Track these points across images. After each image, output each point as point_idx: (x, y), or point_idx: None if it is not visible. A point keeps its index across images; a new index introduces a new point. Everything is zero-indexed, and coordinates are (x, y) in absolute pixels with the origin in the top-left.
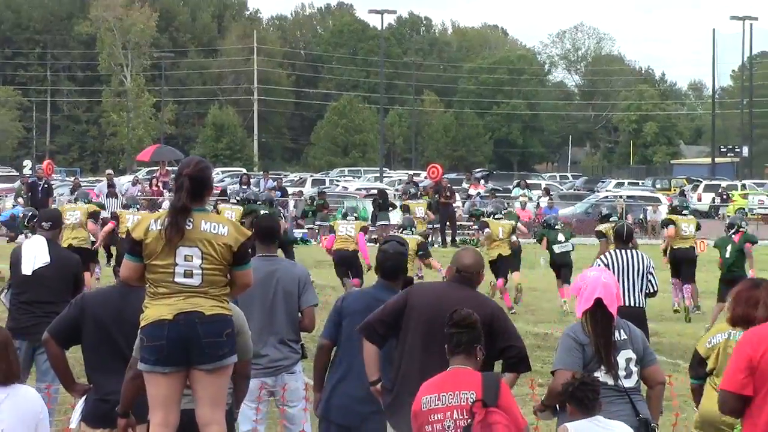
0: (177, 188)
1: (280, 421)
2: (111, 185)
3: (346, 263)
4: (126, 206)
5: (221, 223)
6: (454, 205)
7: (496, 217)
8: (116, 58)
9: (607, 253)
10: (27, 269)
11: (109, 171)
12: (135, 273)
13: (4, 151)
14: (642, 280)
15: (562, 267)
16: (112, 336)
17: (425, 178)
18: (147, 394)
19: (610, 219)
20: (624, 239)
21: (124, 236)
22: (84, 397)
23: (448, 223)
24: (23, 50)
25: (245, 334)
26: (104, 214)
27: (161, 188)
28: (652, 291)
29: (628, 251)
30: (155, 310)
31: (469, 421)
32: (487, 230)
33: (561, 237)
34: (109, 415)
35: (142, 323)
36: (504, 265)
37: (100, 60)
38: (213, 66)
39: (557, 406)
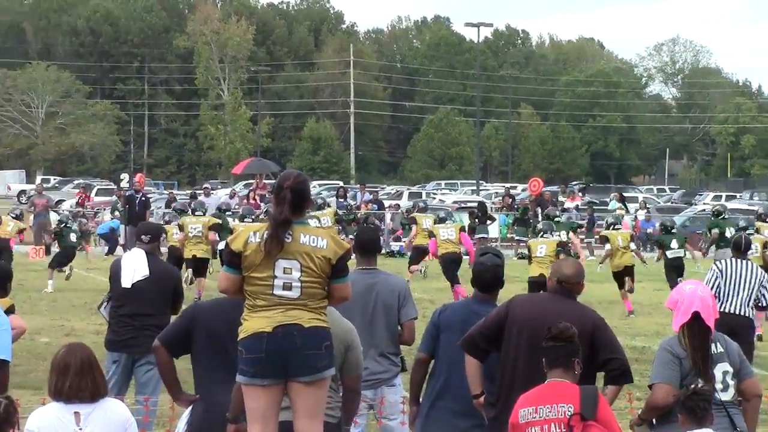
0: (278, 201)
1: None
2: (194, 196)
3: (456, 264)
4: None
5: (320, 236)
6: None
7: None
8: (213, 72)
9: (722, 261)
10: (126, 282)
11: (206, 185)
12: (233, 285)
13: (102, 165)
14: (753, 291)
15: (673, 271)
16: (223, 346)
17: (522, 191)
18: (245, 406)
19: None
20: (741, 249)
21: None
22: (190, 408)
23: None
24: (121, 64)
25: (356, 349)
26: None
27: (258, 201)
28: (763, 304)
29: (744, 261)
30: (254, 323)
31: None
32: (608, 246)
33: (675, 244)
34: (215, 426)
35: (241, 335)
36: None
37: (198, 73)
38: (310, 79)
39: (654, 420)
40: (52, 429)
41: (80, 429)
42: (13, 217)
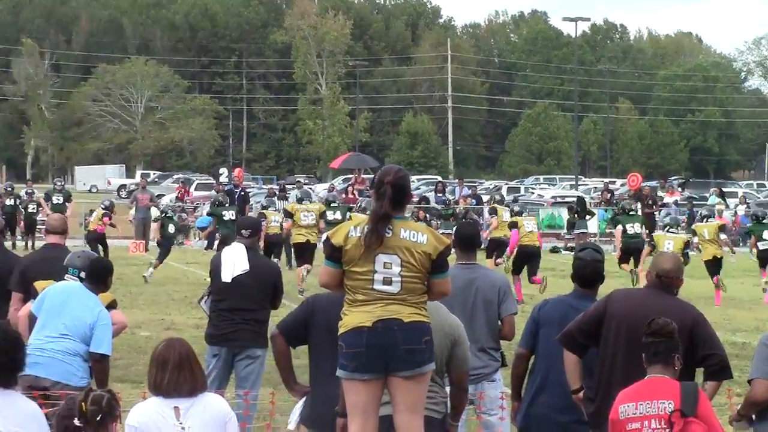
0: (378, 196)
1: (478, 429)
2: (282, 189)
3: (533, 257)
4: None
5: (420, 231)
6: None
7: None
8: (311, 67)
9: None
10: (227, 277)
11: (299, 179)
12: (333, 279)
13: (201, 160)
14: None
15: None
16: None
17: (621, 186)
18: (346, 401)
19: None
20: None
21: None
22: (303, 399)
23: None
24: (219, 59)
25: (463, 345)
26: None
27: (357, 195)
28: None
29: None
30: (354, 318)
31: (667, 430)
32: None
33: (766, 234)
34: (328, 418)
35: (341, 330)
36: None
37: (295, 68)
38: (407, 74)
39: (753, 416)
40: (152, 424)
41: (180, 423)
42: (103, 209)
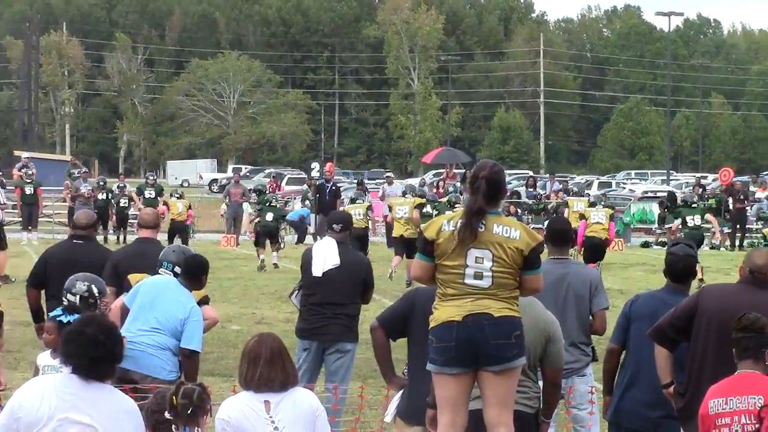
0: (472, 191)
1: (567, 423)
2: (360, 183)
3: (596, 248)
4: (353, 200)
5: (513, 227)
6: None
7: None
8: (403, 61)
9: None
10: (317, 271)
11: (389, 173)
12: (425, 273)
13: (292, 154)
14: None
15: None
16: None
17: (713, 180)
18: (436, 395)
19: None
20: None
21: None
22: (400, 392)
23: (737, 226)
24: (312, 54)
25: (558, 342)
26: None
27: (448, 190)
28: None
29: None
30: (444, 312)
31: (757, 426)
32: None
33: None
34: (424, 411)
35: (432, 324)
36: None
37: (388, 63)
38: (499, 68)
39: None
40: (243, 417)
41: (270, 417)
42: (177, 197)
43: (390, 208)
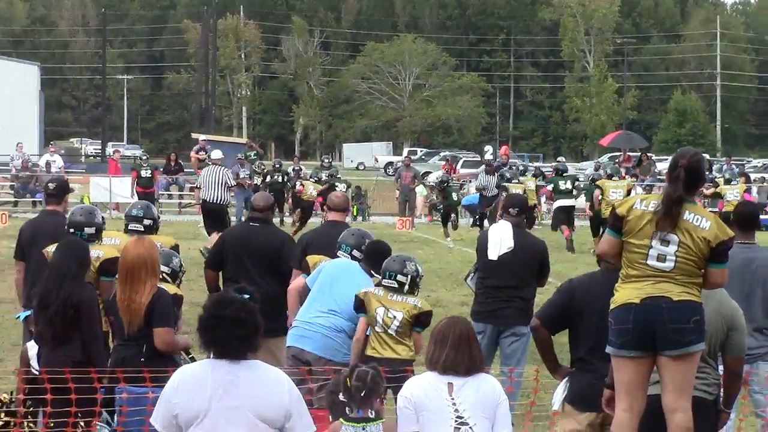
0: (671, 179)
1: (744, 408)
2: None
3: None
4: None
5: (705, 217)
6: None
7: None
8: (579, 44)
9: None
10: (493, 254)
11: (561, 158)
12: (612, 248)
13: (467, 137)
14: None
15: None
16: (603, 322)
17: None
18: (614, 378)
19: None
20: None
21: None
22: (565, 380)
23: None
24: (488, 36)
25: (740, 332)
26: None
27: (623, 174)
28: None
29: None
30: (624, 294)
31: None
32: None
33: None
34: (596, 398)
35: (611, 306)
36: None
37: (563, 46)
38: (675, 51)
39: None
40: (424, 397)
41: (452, 399)
42: (314, 181)
43: (602, 191)
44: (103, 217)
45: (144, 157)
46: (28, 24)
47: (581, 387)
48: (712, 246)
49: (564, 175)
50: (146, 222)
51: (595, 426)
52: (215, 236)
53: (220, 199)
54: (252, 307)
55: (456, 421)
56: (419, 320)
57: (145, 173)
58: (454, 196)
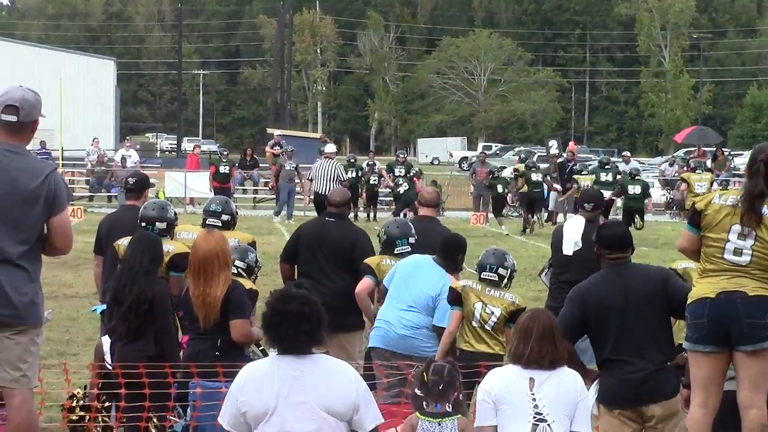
0: (750, 174)
1: None
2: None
3: None
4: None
5: None
6: None
7: None
8: (655, 39)
9: None
10: (567, 250)
11: (626, 152)
12: (690, 244)
13: (543, 132)
14: None
15: None
16: (620, 320)
17: None
18: (690, 374)
19: None
20: None
21: None
22: (595, 383)
23: None
24: (563, 31)
25: None
26: None
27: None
28: None
29: None
30: (700, 289)
31: None
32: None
33: None
34: (628, 396)
35: (688, 301)
36: None
37: (639, 41)
38: (752, 46)
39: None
40: (505, 390)
41: (533, 395)
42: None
43: (688, 184)
44: (175, 212)
45: (224, 152)
46: (105, 19)
47: (610, 385)
48: None
49: (606, 167)
50: (224, 217)
51: (634, 419)
52: None
53: None
54: (314, 301)
55: (534, 417)
56: (514, 317)
57: (224, 169)
58: (499, 188)
